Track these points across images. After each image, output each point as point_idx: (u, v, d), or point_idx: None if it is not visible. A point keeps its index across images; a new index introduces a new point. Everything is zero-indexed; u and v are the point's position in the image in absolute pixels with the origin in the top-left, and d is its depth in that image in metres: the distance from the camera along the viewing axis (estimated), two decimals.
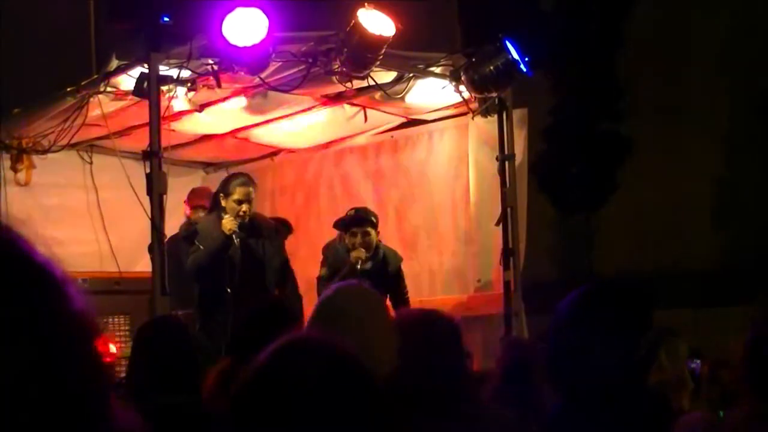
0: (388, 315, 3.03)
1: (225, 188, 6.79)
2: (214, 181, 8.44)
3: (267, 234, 6.95)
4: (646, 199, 21.72)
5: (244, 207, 6.67)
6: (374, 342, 2.73)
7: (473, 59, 6.87)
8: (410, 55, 6.96)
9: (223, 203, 6.74)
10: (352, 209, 7.20)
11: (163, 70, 6.10)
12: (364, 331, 2.76)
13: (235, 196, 6.68)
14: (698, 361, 5.74)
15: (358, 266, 6.89)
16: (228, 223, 6.63)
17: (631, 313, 2.44)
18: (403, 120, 8.22)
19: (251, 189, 6.77)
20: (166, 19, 5.97)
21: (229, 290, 6.60)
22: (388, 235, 8.09)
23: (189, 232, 6.83)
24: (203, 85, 6.50)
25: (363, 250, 6.94)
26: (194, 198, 7.75)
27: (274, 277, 6.92)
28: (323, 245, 7.29)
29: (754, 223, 19.89)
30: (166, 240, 6.27)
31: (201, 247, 6.66)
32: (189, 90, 6.49)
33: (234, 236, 6.65)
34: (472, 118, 7.61)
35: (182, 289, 6.85)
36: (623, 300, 2.46)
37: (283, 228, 7.29)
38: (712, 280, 18.68)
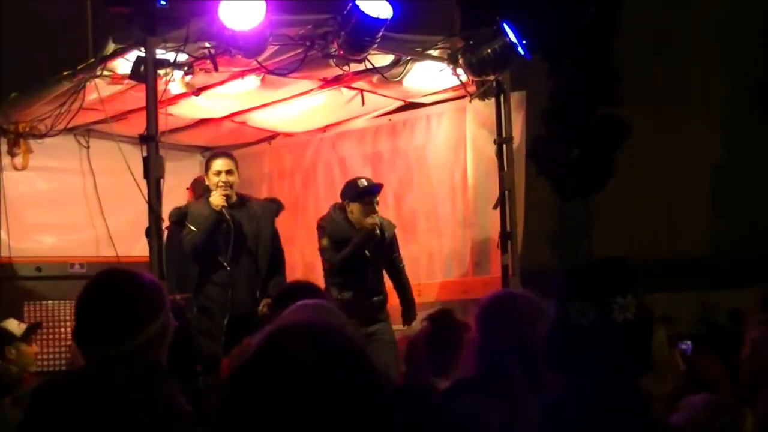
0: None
1: (205, 167, 7.13)
2: None
3: (258, 212, 7.07)
4: (645, 184, 21.72)
5: (223, 177, 6.90)
6: None
7: (471, 42, 6.84)
8: (408, 38, 6.93)
9: (207, 182, 7.01)
10: (362, 179, 7.26)
11: (160, 53, 6.09)
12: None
13: (213, 169, 6.96)
14: (689, 342, 5.75)
15: (377, 231, 7.03)
16: (216, 198, 6.84)
17: (604, 273, 2.41)
18: (401, 103, 8.21)
19: (227, 160, 7.03)
20: (162, 2, 5.95)
21: (226, 265, 6.73)
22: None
23: (179, 215, 6.89)
24: (200, 69, 6.48)
25: (375, 216, 7.06)
26: (198, 187, 7.78)
27: (266, 254, 7.01)
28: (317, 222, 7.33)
29: (752, 209, 19.90)
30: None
31: (193, 228, 6.77)
32: (186, 74, 6.48)
33: (225, 212, 6.74)
34: (470, 102, 7.59)
35: (180, 273, 6.92)
36: (619, 281, 2.43)
37: (273, 206, 7.34)
38: (710, 266, 18.70)
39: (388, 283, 7.39)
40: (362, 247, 7.01)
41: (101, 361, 2.63)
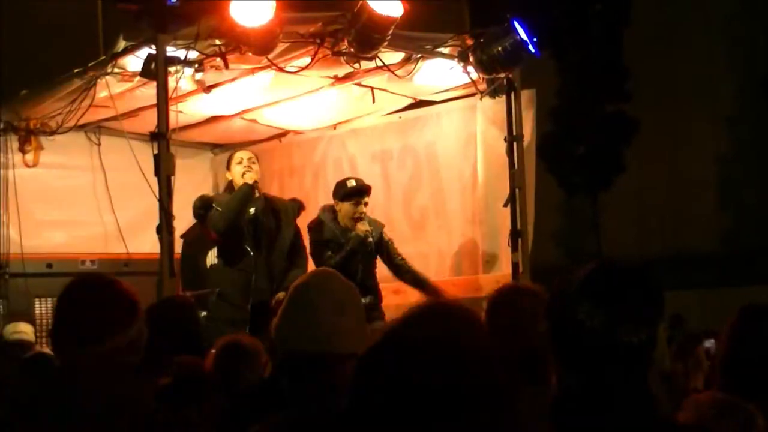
0: (360, 300, 3.08)
1: (227, 165, 7.07)
2: (221, 162, 8.47)
3: (280, 208, 7.04)
4: (652, 180, 21.70)
5: (245, 163, 6.88)
6: (353, 324, 2.79)
7: (481, 40, 6.84)
8: (418, 35, 6.93)
9: (229, 176, 6.96)
10: (350, 179, 7.16)
11: (171, 51, 6.10)
12: (344, 314, 2.79)
13: (235, 159, 6.94)
14: (713, 341, 5.72)
15: (369, 239, 6.91)
16: (249, 176, 6.80)
17: (652, 294, 2.38)
18: (411, 101, 8.20)
19: (248, 153, 7.06)
20: (173, 0, 5.97)
21: (250, 251, 6.71)
22: (396, 217, 8.10)
23: (204, 201, 6.86)
24: (211, 66, 6.49)
25: (366, 222, 6.96)
26: None
27: (284, 248, 6.99)
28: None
29: (759, 205, 19.88)
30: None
31: (219, 210, 6.73)
32: (196, 71, 6.49)
33: (257, 186, 6.81)
34: (480, 99, 7.59)
35: (194, 269, 6.97)
36: (642, 280, 2.40)
37: (295, 204, 7.31)
38: (718, 261, 18.69)
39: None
40: (355, 254, 6.90)
41: (74, 360, 2.71)
